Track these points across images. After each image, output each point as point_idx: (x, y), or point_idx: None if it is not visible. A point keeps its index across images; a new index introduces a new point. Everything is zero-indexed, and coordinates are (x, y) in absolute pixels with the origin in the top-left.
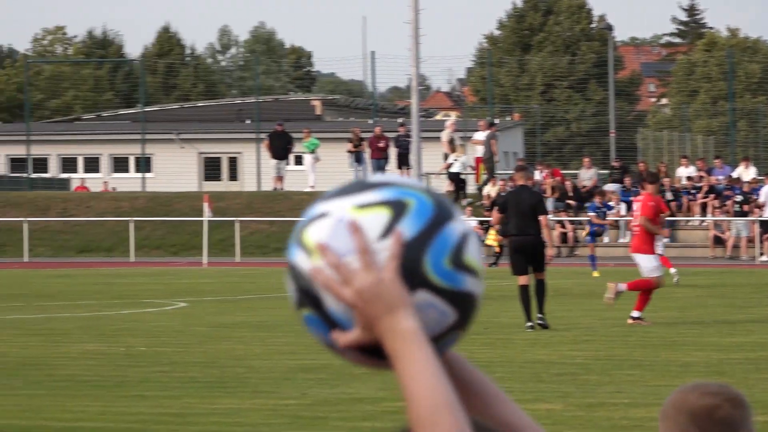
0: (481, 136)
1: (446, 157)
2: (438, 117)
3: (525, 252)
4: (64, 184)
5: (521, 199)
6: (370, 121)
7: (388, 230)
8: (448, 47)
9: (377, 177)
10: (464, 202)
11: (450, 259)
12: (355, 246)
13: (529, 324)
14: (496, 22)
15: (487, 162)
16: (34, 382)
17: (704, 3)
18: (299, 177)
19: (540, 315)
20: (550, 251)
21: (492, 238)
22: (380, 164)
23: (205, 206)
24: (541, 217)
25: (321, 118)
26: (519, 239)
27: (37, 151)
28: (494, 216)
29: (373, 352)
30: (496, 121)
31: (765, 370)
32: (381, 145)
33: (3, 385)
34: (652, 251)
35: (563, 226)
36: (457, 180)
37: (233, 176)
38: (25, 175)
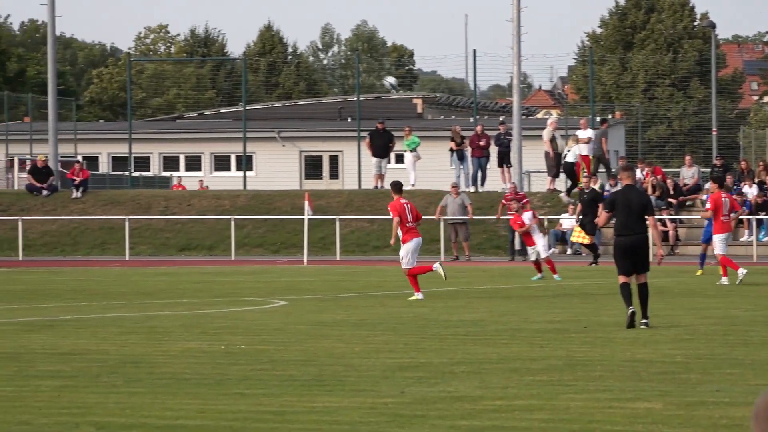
0: (586, 134)
1: (547, 155)
2: (539, 115)
3: (632, 251)
4: (166, 182)
5: (630, 198)
6: (471, 120)
7: None
8: (549, 45)
9: None
10: (566, 200)
11: None
12: None
13: (632, 308)
14: (599, 20)
15: (599, 159)
16: (134, 379)
17: None
18: (400, 175)
19: (644, 320)
20: (660, 251)
21: (579, 236)
22: (481, 162)
23: (306, 204)
24: (650, 218)
25: (422, 117)
26: (627, 239)
27: (139, 149)
28: (602, 216)
29: None
30: (599, 117)
31: None
32: (482, 143)
33: (104, 382)
34: None
35: (664, 225)
36: (570, 171)
37: (334, 174)
38: (126, 173)
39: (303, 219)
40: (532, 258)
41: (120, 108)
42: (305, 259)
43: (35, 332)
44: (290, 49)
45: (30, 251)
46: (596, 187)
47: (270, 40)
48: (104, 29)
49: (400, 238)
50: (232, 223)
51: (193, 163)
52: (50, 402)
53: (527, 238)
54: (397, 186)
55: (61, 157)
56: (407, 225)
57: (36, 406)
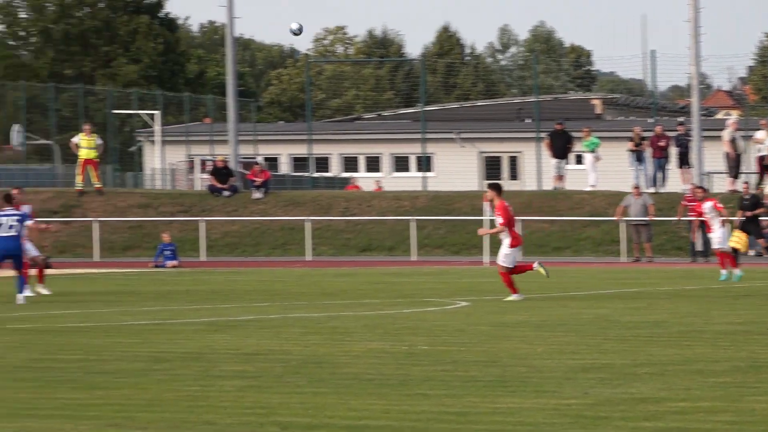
0: (760, 134)
1: (727, 156)
2: (719, 116)
3: None
4: (346, 183)
5: None
6: (651, 120)
7: None
8: (728, 45)
9: None
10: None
11: None
12: None
13: None
14: None
15: None
16: (318, 380)
17: None
18: (580, 176)
19: None
20: None
21: (736, 241)
22: (661, 163)
23: (486, 205)
24: None
25: (601, 117)
26: None
27: (318, 150)
28: None
29: None
30: None
31: None
32: (662, 144)
33: (287, 383)
34: None
35: None
36: (763, 165)
37: (514, 175)
38: (307, 174)
39: (483, 220)
40: (716, 246)
41: (299, 109)
42: (486, 260)
43: (219, 332)
44: (468, 50)
45: (212, 252)
46: None
47: (448, 41)
48: (283, 30)
49: (505, 239)
50: (412, 224)
51: (373, 163)
52: (234, 402)
53: (707, 226)
54: (499, 188)
55: (242, 158)
56: (513, 229)
57: (221, 406)
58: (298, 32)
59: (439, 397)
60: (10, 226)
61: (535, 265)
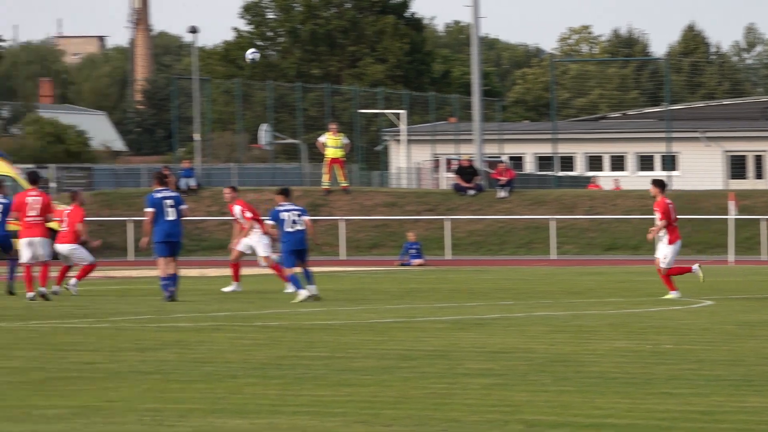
0: None
1: None
2: None
3: None
4: (589, 181)
5: None
6: None
7: None
8: None
9: None
10: None
11: None
12: None
13: None
14: None
15: None
16: (562, 378)
17: None
18: None
19: None
20: None
21: None
22: None
23: (731, 204)
24: None
25: None
26: None
27: (563, 149)
28: None
29: None
30: None
31: None
32: None
33: (532, 381)
34: None
35: None
36: None
37: (759, 174)
38: (551, 173)
39: (728, 219)
40: None
41: (544, 108)
42: (731, 259)
43: (464, 330)
44: (713, 49)
45: (457, 250)
46: None
47: (693, 40)
48: (528, 30)
49: (662, 238)
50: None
51: (617, 162)
52: (480, 400)
53: None
54: (662, 184)
55: (487, 157)
56: (673, 225)
57: (466, 403)
58: (254, 61)
59: (684, 396)
60: (294, 221)
61: (695, 267)
